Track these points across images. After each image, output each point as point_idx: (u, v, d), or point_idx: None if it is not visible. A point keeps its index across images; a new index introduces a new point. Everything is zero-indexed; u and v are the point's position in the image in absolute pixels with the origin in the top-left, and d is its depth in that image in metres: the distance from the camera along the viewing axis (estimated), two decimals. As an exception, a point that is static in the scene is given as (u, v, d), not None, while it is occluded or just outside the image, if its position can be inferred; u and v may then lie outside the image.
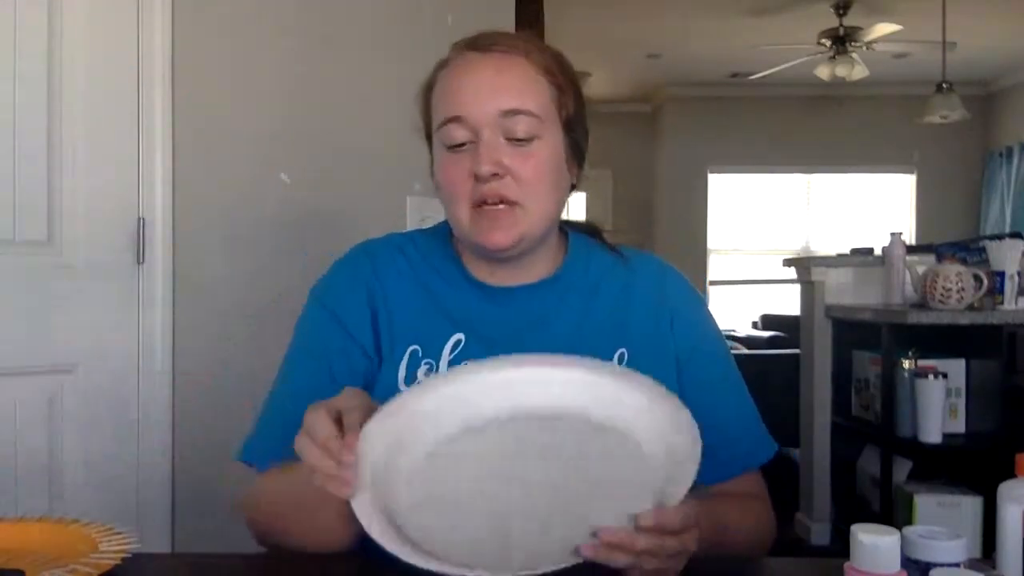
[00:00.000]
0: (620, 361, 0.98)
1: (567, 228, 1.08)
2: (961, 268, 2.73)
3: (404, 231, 1.11)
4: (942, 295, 2.67)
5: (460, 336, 0.97)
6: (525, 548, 0.72)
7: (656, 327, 1.01)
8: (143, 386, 1.73)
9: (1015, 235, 2.88)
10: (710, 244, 7.24)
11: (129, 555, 0.80)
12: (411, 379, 0.95)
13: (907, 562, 0.70)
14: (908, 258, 2.94)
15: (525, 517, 0.72)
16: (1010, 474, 0.79)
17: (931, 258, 2.96)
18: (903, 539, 0.69)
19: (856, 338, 3.08)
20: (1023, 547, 0.75)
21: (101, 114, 1.69)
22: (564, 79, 0.98)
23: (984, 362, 2.73)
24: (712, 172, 7.20)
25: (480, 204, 0.93)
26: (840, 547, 0.72)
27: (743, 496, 1.01)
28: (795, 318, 3.57)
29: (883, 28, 4.98)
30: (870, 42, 5.17)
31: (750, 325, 6.23)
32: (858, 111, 6.89)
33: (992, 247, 2.76)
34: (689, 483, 0.73)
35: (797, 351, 3.45)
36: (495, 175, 0.92)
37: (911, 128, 5.96)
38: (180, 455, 1.76)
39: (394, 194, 2.10)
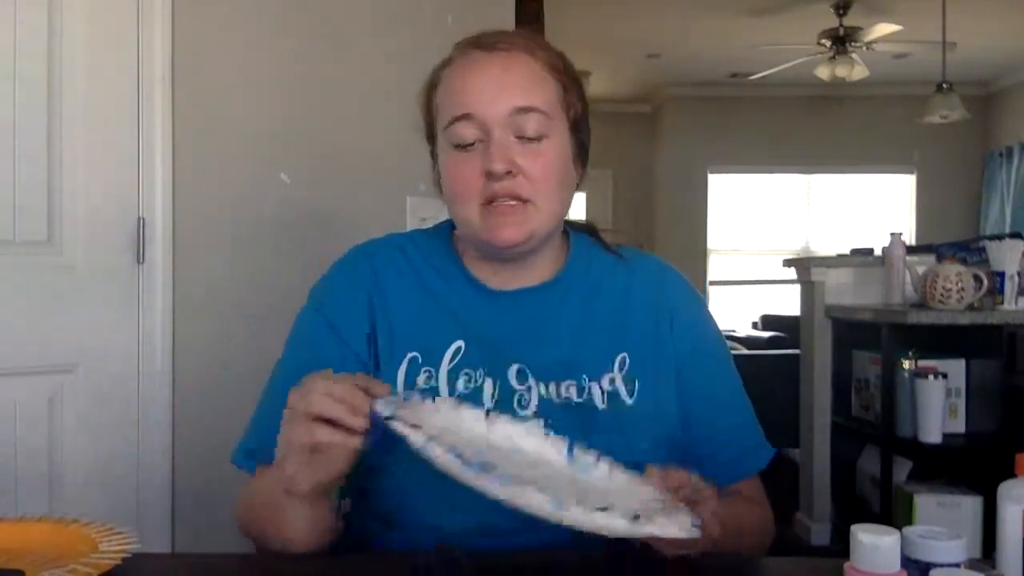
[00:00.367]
0: (621, 367, 0.97)
1: (568, 228, 1.08)
2: (961, 268, 2.72)
3: (404, 231, 1.11)
4: (942, 295, 2.67)
5: (460, 343, 0.96)
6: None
7: (656, 328, 1.01)
8: (143, 386, 1.73)
9: (1015, 235, 2.88)
10: (710, 244, 7.24)
11: (129, 555, 0.80)
12: (410, 386, 0.94)
13: (907, 562, 0.70)
14: (908, 258, 2.93)
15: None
16: (1010, 474, 0.79)
17: (931, 258, 2.96)
18: (903, 539, 0.69)
19: (856, 338, 3.08)
20: (1023, 547, 0.75)
21: (101, 114, 1.68)
22: (568, 78, 0.98)
23: (984, 362, 2.73)
24: (712, 172, 7.20)
25: (490, 201, 0.92)
26: (840, 547, 0.72)
27: (748, 499, 1.01)
28: (795, 318, 3.57)
29: (883, 28, 4.98)
30: (870, 42, 5.17)
31: (750, 325, 6.23)
32: (858, 111, 6.89)
33: (992, 247, 2.76)
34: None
35: (797, 351, 3.45)
36: (508, 173, 0.91)
37: (911, 128, 5.96)
38: (180, 455, 1.76)
39: (394, 194, 2.10)
